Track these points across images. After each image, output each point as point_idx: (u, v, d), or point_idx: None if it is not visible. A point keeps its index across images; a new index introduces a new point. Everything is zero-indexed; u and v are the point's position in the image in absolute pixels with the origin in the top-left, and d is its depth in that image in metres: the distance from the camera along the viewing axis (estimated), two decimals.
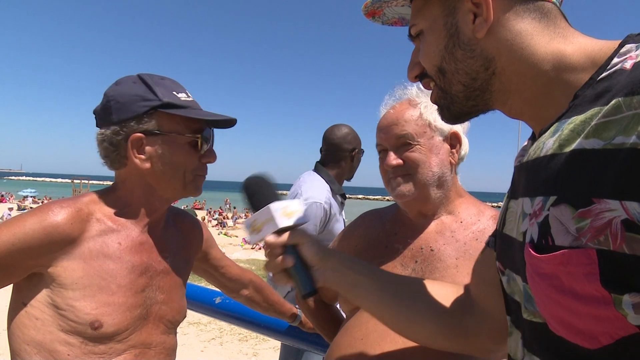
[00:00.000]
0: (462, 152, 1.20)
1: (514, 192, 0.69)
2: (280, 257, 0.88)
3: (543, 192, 0.57)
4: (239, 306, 1.81)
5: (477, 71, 0.67)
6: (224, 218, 26.08)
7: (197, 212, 25.26)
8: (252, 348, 4.95)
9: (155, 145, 1.04)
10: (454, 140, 1.17)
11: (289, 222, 0.90)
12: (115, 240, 1.03)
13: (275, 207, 0.89)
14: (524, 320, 0.62)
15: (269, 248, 0.90)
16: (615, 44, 0.58)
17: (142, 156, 1.04)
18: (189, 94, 1.11)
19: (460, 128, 1.19)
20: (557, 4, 0.65)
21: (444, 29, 0.68)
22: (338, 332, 1.19)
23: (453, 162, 1.17)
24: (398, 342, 1.02)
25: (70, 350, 0.95)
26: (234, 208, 33.60)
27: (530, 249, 0.56)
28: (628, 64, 0.53)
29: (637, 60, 0.52)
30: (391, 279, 0.95)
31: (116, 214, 1.06)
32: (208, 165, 1.14)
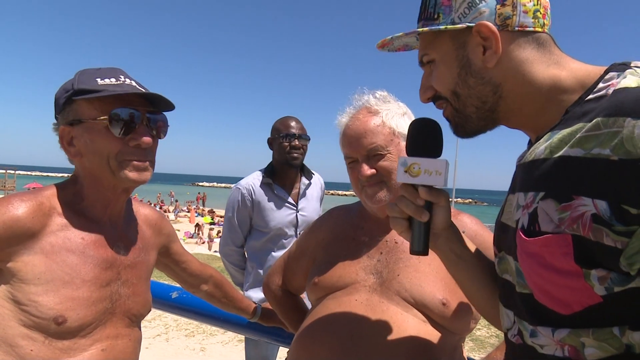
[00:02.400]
0: None
1: (513, 188, 0.79)
2: (418, 209, 0.84)
3: (534, 188, 0.69)
4: (196, 300, 1.80)
5: (487, 95, 0.78)
6: (165, 211, 25.30)
7: None
8: (199, 343, 4.88)
9: (79, 136, 1.01)
10: None
11: (443, 184, 0.85)
12: (79, 235, 1.01)
13: (446, 164, 0.84)
14: (519, 295, 0.73)
15: (409, 194, 0.85)
16: (601, 70, 0.71)
17: (72, 148, 1.02)
18: (124, 79, 1.04)
19: None
20: (549, 31, 0.76)
21: (456, 60, 0.78)
22: (306, 319, 1.23)
23: None
24: (365, 327, 1.08)
25: (33, 345, 0.92)
26: (176, 201, 32.73)
27: (521, 233, 0.69)
28: (610, 90, 0.64)
29: (617, 87, 0.63)
30: (485, 261, 0.95)
31: (77, 207, 1.04)
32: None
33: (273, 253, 2.55)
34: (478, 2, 0.75)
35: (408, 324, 1.08)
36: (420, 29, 0.79)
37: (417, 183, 0.84)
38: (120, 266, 1.08)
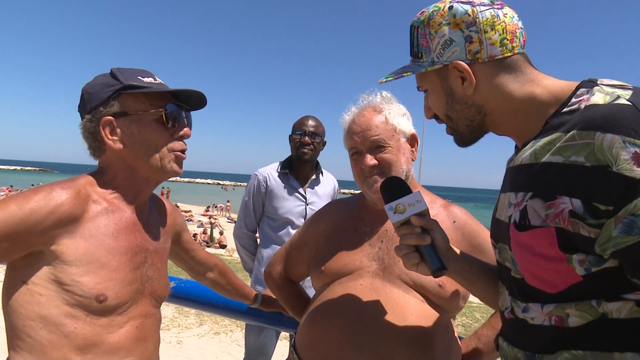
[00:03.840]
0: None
1: (504, 187, 0.93)
2: (421, 236, 0.97)
3: (523, 189, 0.82)
4: (194, 289, 1.89)
5: (473, 115, 0.92)
6: None
7: None
8: (175, 337, 4.89)
9: (125, 126, 1.10)
10: (413, 141, 1.38)
11: (426, 208, 1.01)
12: (112, 221, 1.09)
13: (420, 194, 1.02)
14: (513, 278, 0.86)
15: (406, 229, 0.99)
16: (572, 85, 0.84)
17: (115, 137, 1.11)
18: (157, 79, 1.17)
19: (414, 129, 1.40)
20: (522, 51, 0.89)
21: (442, 90, 0.93)
22: (313, 303, 1.35)
23: (413, 159, 1.37)
24: (372, 309, 1.21)
25: (75, 323, 1.00)
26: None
27: (514, 228, 0.83)
28: (582, 105, 0.77)
29: (587, 103, 0.76)
30: (492, 272, 1.07)
31: (109, 196, 1.12)
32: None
33: (283, 240, 2.68)
34: (449, 43, 0.88)
35: (409, 304, 1.22)
36: (405, 74, 0.95)
37: (408, 215, 1.00)
38: (147, 251, 1.16)
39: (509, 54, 0.87)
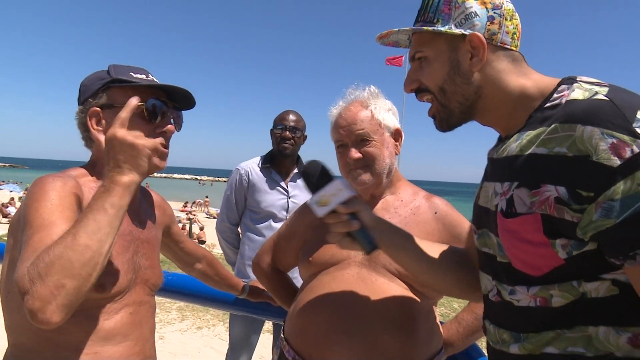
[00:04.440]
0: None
1: (488, 177, 0.98)
2: (349, 223, 1.04)
3: (509, 179, 0.87)
4: (182, 282, 1.91)
5: (470, 94, 0.95)
6: None
7: None
8: (157, 332, 4.87)
9: (110, 118, 1.12)
10: (397, 135, 1.43)
11: (351, 194, 1.05)
12: None
13: (342, 181, 1.05)
14: (499, 263, 0.91)
15: (334, 218, 1.05)
16: (555, 81, 0.90)
17: (100, 128, 1.14)
18: (151, 76, 1.20)
19: (399, 124, 1.45)
20: (521, 53, 0.96)
21: (448, 60, 0.95)
22: (301, 292, 1.40)
23: (397, 153, 1.43)
24: (359, 297, 1.26)
25: (73, 315, 1.02)
26: None
27: (501, 215, 0.87)
28: (563, 100, 0.83)
29: (568, 98, 0.82)
30: (425, 243, 1.16)
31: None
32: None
33: (265, 233, 2.72)
34: (473, 16, 0.91)
35: (394, 292, 1.28)
36: (425, 27, 0.94)
37: (332, 207, 1.03)
38: (138, 240, 1.19)
39: (515, 49, 0.94)
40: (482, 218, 0.99)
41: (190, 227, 15.38)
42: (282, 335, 1.41)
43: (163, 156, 1.15)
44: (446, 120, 0.99)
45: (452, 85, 0.95)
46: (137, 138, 0.98)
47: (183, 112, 1.25)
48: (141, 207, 1.28)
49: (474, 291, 1.11)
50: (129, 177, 0.96)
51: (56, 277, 0.81)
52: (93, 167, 1.17)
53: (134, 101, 1.01)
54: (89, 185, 1.12)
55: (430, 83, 0.97)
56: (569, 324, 0.80)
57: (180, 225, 15.91)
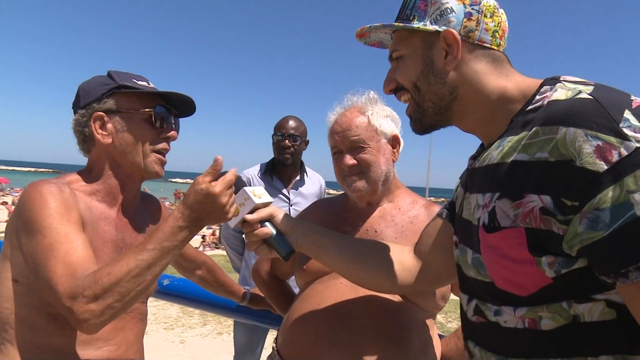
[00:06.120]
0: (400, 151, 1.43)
1: (470, 188, 0.92)
2: (259, 230, 1.05)
3: (491, 190, 0.79)
4: (187, 287, 1.92)
5: (444, 94, 0.88)
6: None
7: None
8: (178, 336, 4.95)
9: (115, 122, 1.16)
10: (394, 142, 1.39)
11: (260, 201, 1.08)
12: (98, 218, 1.13)
13: (247, 189, 1.07)
14: (481, 282, 0.83)
15: (248, 227, 1.06)
16: (537, 82, 0.83)
17: (104, 132, 1.16)
18: (151, 84, 1.23)
19: (397, 131, 1.41)
20: (504, 51, 0.89)
21: (422, 58, 0.89)
22: (295, 301, 1.37)
23: (394, 160, 1.39)
24: (350, 307, 1.23)
25: (55, 321, 1.03)
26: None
27: (483, 230, 0.79)
28: (545, 102, 0.76)
29: (550, 99, 0.75)
30: (349, 240, 1.17)
31: (95, 192, 1.16)
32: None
33: None
34: (449, 12, 0.86)
35: (387, 302, 1.23)
36: (396, 24, 0.90)
37: (241, 217, 1.06)
38: (129, 246, 1.19)
39: (496, 48, 0.87)
40: (464, 232, 0.93)
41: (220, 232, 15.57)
42: (274, 345, 1.39)
43: (162, 165, 1.23)
44: (420, 121, 0.94)
45: (425, 84, 0.89)
46: (228, 201, 1.03)
47: (184, 117, 1.30)
48: (137, 213, 1.28)
49: (410, 285, 1.12)
50: (199, 229, 1.03)
51: (110, 300, 0.91)
52: (89, 173, 1.19)
53: (230, 176, 1.04)
54: (82, 191, 1.13)
55: (404, 81, 0.92)
56: (564, 352, 0.72)
57: (210, 230, 16.20)
